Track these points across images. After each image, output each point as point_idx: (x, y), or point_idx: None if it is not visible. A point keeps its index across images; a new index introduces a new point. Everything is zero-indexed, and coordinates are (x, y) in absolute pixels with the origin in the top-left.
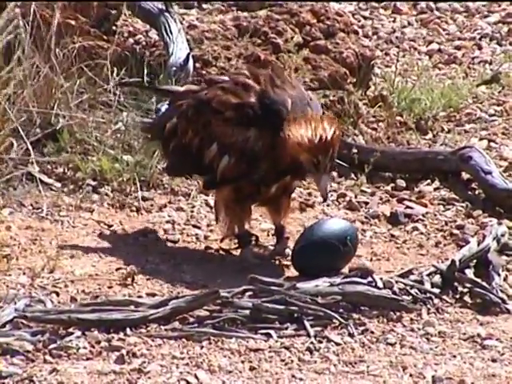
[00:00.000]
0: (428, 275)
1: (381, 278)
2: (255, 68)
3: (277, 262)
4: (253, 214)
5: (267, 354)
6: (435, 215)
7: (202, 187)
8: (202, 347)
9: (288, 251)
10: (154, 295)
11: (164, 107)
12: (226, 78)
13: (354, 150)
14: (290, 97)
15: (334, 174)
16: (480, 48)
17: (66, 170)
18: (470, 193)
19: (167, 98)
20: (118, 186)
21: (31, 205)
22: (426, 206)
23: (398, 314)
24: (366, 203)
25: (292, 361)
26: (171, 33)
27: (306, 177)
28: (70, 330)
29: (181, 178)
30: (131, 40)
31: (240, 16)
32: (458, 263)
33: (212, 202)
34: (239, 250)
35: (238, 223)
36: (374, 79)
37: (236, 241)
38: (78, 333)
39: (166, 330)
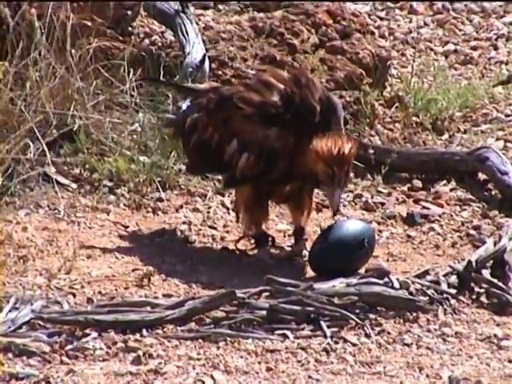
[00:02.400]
0: (444, 276)
1: (397, 279)
2: (277, 69)
3: (294, 263)
4: (270, 215)
5: (284, 355)
6: (451, 216)
7: (223, 185)
8: (218, 348)
9: (305, 252)
10: (170, 296)
11: (185, 105)
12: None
13: (371, 151)
14: (318, 102)
15: (351, 174)
16: (496, 48)
17: (83, 171)
18: (486, 193)
19: (189, 95)
20: (134, 186)
21: (48, 206)
22: (442, 206)
23: (414, 314)
24: (383, 204)
25: (309, 361)
26: (187, 33)
27: (319, 186)
28: (87, 331)
29: (201, 176)
30: (147, 41)
31: (256, 17)
32: (474, 264)
33: (228, 203)
34: (255, 251)
35: (256, 223)
36: (391, 80)
37: (253, 241)
38: (95, 334)
39: (182, 330)
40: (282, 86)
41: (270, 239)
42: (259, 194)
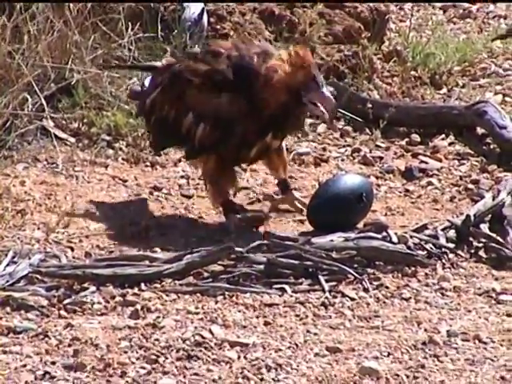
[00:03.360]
0: (443, 230)
1: (395, 233)
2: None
3: (291, 218)
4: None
5: (282, 309)
6: (450, 170)
7: (185, 158)
8: (216, 302)
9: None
10: (168, 250)
11: (147, 81)
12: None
13: (369, 105)
14: (255, 53)
15: (349, 128)
16: (495, 2)
17: (81, 125)
18: (484, 147)
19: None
20: (132, 141)
21: (46, 160)
22: (440, 160)
23: (412, 268)
24: (381, 158)
25: (307, 316)
26: None
27: (287, 129)
28: (85, 285)
29: (163, 151)
30: None
31: None
32: (472, 218)
33: None
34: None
35: (222, 191)
36: (389, 34)
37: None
38: (93, 288)
39: (180, 284)
40: (225, 53)
41: (238, 207)
42: (223, 163)
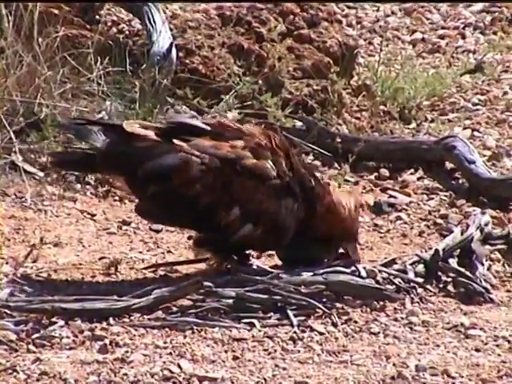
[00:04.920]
0: (411, 264)
1: (364, 268)
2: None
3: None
4: None
5: (250, 344)
6: (419, 204)
7: (195, 244)
8: (185, 337)
9: None
10: (136, 285)
11: (100, 136)
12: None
13: (338, 140)
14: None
15: (318, 163)
16: (464, 37)
17: (49, 160)
18: (453, 182)
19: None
20: (101, 175)
21: (14, 194)
22: (409, 195)
23: (381, 303)
24: None
25: (275, 350)
26: (154, 22)
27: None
28: (53, 319)
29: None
30: (114, 29)
31: (223, 5)
32: (441, 252)
33: None
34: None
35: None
36: (358, 68)
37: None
38: (61, 322)
39: (149, 319)
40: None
41: None
42: None
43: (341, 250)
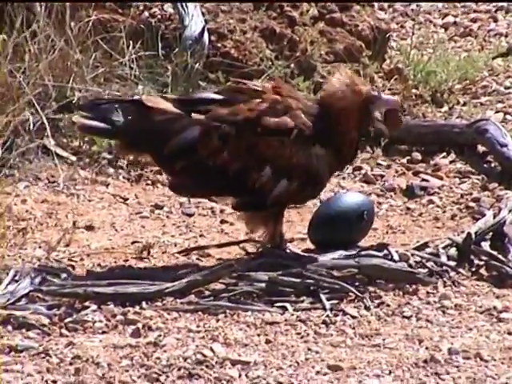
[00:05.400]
0: (444, 248)
1: (396, 251)
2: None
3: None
4: None
5: (283, 327)
6: (451, 188)
7: (234, 207)
8: (217, 320)
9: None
10: (169, 268)
11: (118, 114)
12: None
13: None
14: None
15: None
16: (496, 20)
17: (82, 144)
18: (485, 165)
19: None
20: (133, 159)
21: (47, 178)
22: (441, 178)
23: (413, 286)
24: (382, 176)
25: (308, 334)
26: (186, 6)
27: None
28: (86, 303)
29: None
30: (146, 13)
31: None
32: (473, 236)
33: None
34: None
35: (280, 233)
36: (390, 52)
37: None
38: (94, 306)
39: (181, 303)
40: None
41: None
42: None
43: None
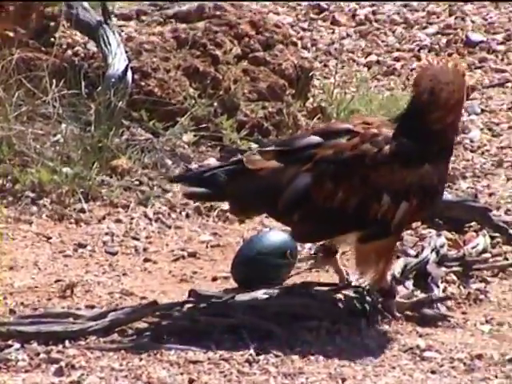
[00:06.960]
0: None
1: (321, 290)
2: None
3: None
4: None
5: (206, 366)
6: None
7: (358, 242)
8: (140, 359)
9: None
10: (92, 307)
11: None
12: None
13: None
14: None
15: None
16: (419, 59)
17: (5, 182)
18: None
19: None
20: (56, 197)
21: None
22: None
23: (337, 325)
24: None
25: (231, 373)
26: (110, 44)
27: None
28: (9, 342)
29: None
30: (70, 52)
31: (178, 28)
32: (397, 275)
33: (151, 214)
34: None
35: (389, 272)
36: (313, 91)
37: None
38: (17, 345)
39: (104, 342)
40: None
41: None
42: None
43: None
